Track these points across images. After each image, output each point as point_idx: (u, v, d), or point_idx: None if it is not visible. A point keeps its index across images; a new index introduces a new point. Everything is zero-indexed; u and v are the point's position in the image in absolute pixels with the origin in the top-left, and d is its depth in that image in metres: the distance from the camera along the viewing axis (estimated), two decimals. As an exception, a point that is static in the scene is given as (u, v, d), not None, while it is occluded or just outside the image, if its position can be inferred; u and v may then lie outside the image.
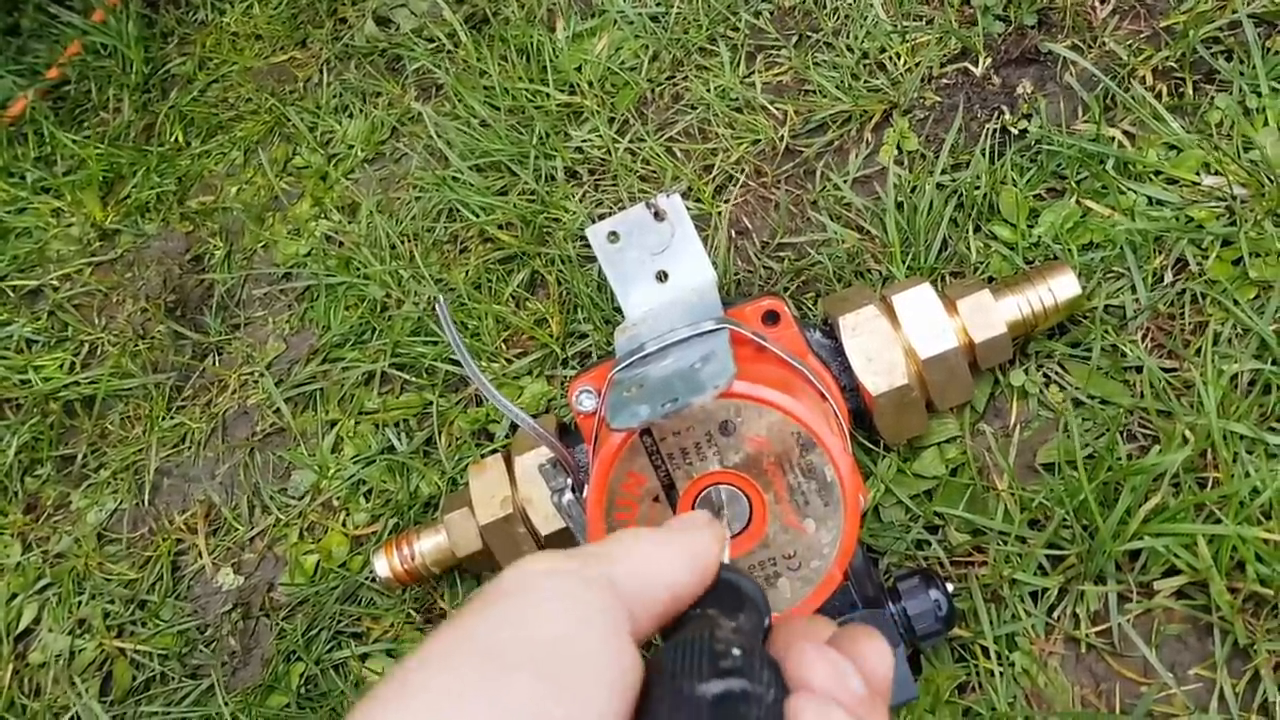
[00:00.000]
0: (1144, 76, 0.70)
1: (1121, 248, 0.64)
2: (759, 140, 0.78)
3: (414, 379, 0.79)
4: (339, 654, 0.71)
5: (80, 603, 0.80)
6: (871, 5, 0.80)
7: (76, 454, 0.89)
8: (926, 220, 0.69)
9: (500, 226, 0.82)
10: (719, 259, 0.75)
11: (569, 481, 0.53)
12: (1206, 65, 0.69)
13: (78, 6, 1.18)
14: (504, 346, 0.78)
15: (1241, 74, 0.67)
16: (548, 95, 0.87)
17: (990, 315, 0.59)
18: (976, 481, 0.61)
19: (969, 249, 0.68)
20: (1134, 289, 0.63)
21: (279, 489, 0.80)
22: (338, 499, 0.77)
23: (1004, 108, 0.73)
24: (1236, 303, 0.60)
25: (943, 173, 0.71)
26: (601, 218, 0.72)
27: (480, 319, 0.79)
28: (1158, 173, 0.66)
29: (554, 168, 0.83)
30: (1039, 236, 0.67)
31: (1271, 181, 0.63)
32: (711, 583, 0.30)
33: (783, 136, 0.77)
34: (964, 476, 0.62)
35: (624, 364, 0.52)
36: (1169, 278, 0.63)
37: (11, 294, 1.01)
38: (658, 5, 0.88)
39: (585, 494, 0.46)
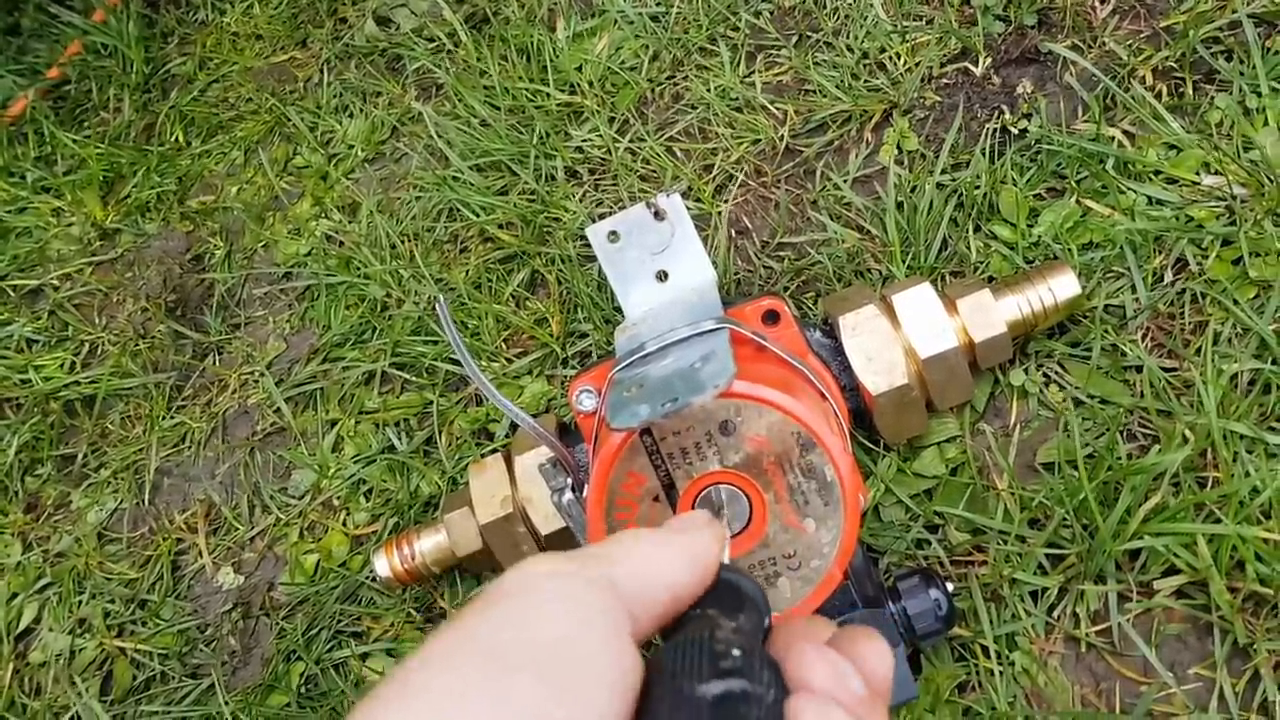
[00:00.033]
0: (1144, 76, 0.70)
1: (1121, 247, 0.64)
2: (759, 140, 0.78)
3: (414, 378, 0.79)
4: (339, 653, 0.71)
5: (80, 602, 0.80)
6: (871, 5, 0.80)
7: (77, 453, 0.89)
8: (926, 220, 0.69)
9: (500, 226, 0.82)
10: (719, 258, 0.75)
11: (569, 481, 0.53)
12: (1206, 65, 0.69)
13: (78, 6, 1.18)
14: (504, 346, 0.78)
15: (1241, 74, 0.67)
16: (548, 95, 0.87)
17: (990, 315, 0.59)
18: (976, 481, 0.61)
19: (969, 249, 0.68)
20: (1134, 289, 0.63)
21: (279, 488, 0.80)
22: (338, 498, 0.77)
23: (1004, 107, 0.73)
24: (1236, 302, 0.60)
25: (943, 172, 0.71)
26: (602, 217, 0.72)
27: (480, 318, 0.79)
28: (1158, 172, 0.66)
29: (554, 167, 0.83)
30: (1039, 236, 0.67)
31: (1271, 181, 0.63)
32: (711, 583, 0.30)
33: (783, 136, 0.77)
34: (964, 476, 0.62)
35: (624, 363, 0.52)
36: (1169, 277, 0.63)
37: (12, 293, 1.01)
38: (658, 5, 0.88)
39: (585, 493, 0.46)
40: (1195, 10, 0.70)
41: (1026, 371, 0.63)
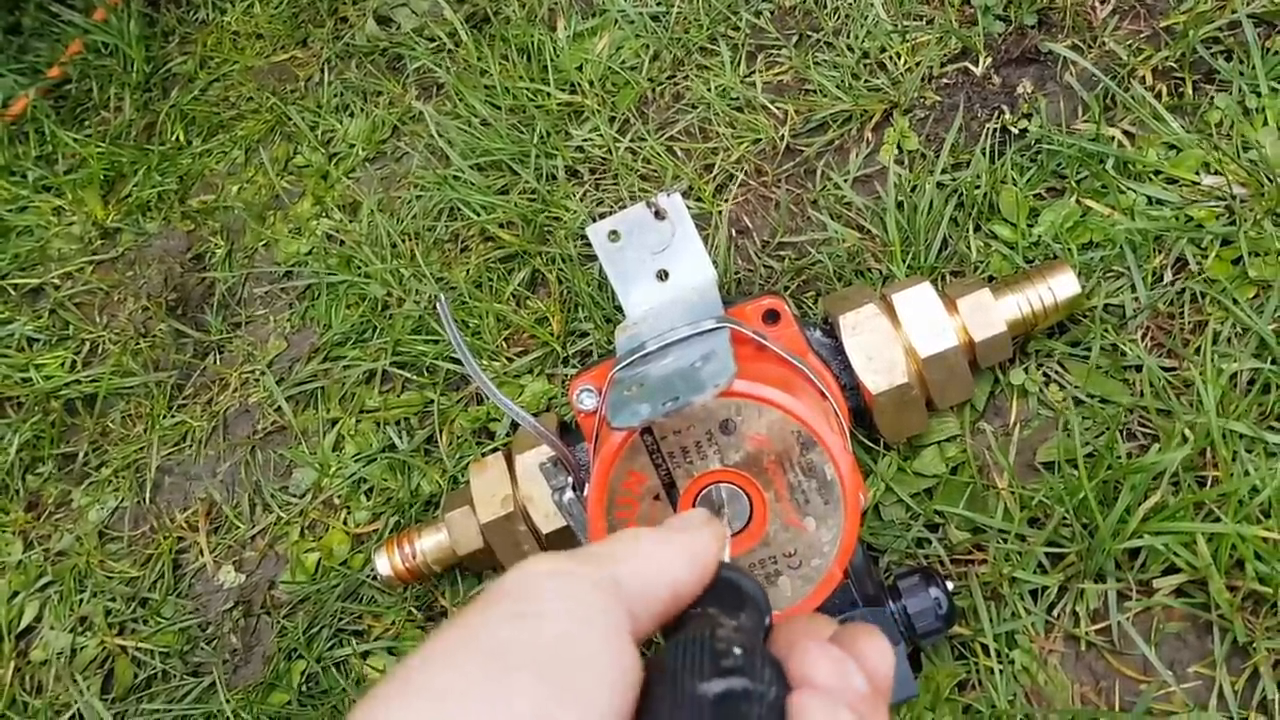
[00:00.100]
0: (1144, 76, 0.70)
1: (1121, 247, 0.64)
2: (759, 139, 0.78)
3: (415, 377, 0.79)
4: (340, 652, 0.71)
5: (82, 600, 0.80)
6: (872, 5, 0.80)
7: (78, 452, 0.89)
8: (927, 219, 0.69)
9: (501, 225, 0.82)
10: (719, 258, 0.75)
11: (570, 480, 0.53)
12: (1206, 65, 0.69)
13: (79, 5, 1.18)
14: (505, 345, 0.78)
15: (1241, 74, 0.67)
16: (549, 94, 0.87)
17: (990, 314, 0.59)
18: (976, 480, 0.61)
19: (969, 248, 0.68)
20: (1134, 288, 0.63)
21: (280, 487, 0.80)
22: (339, 497, 0.77)
23: (1004, 107, 0.73)
24: (1236, 302, 0.60)
25: (943, 172, 0.71)
26: (602, 217, 0.72)
27: (481, 317, 0.79)
28: (1157, 172, 0.67)
29: (555, 167, 0.83)
30: (1039, 236, 0.67)
31: (1271, 181, 0.63)
32: (711, 581, 0.30)
33: (783, 136, 0.77)
34: (964, 475, 0.62)
35: (625, 363, 0.52)
36: (1168, 277, 0.63)
37: (13, 292, 1.01)
38: (658, 5, 0.88)
39: (586, 492, 0.46)
40: (1195, 10, 0.71)
41: (1026, 371, 0.63)
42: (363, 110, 0.97)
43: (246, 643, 0.75)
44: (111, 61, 1.14)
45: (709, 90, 0.82)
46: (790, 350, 0.52)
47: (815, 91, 0.79)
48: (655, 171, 0.80)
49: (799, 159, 0.77)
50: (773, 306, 0.57)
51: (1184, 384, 0.60)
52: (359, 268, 0.86)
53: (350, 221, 0.90)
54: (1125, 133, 0.69)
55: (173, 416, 0.87)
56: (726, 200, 0.77)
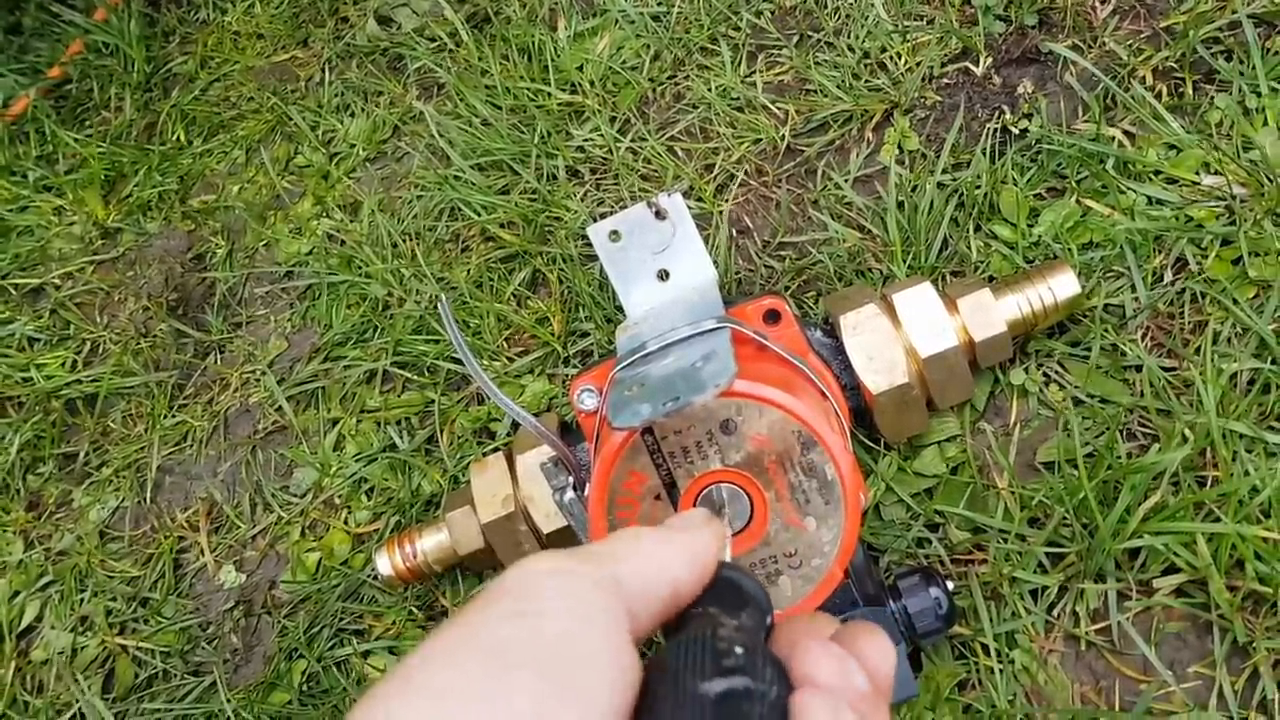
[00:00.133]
0: (1144, 76, 0.70)
1: (1121, 247, 0.64)
2: (760, 139, 0.78)
3: (416, 377, 0.79)
4: (341, 651, 0.71)
5: (82, 600, 0.81)
6: (872, 5, 0.80)
7: (78, 452, 0.89)
8: (927, 219, 0.70)
9: (502, 225, 0.82)
10: (720, 258, 0.75)
11: (570, 480, 0.53)
12: (1206, 65, 0.69)
13: (79, 5, 1.18)
14: (505, 345, 0.78)
15: (1241, 74, 0.67)
16: (549, 94, 0.87)
17: (990, 314, 0.59)
18: (977, 480, 0.61)
19: (969, 248, 0.68)
20: (1134, 288, 0.63)
21: (281, 487, 0.80)
22: (339, 497, 0.77)
23: (1005, 107, 0.73)
24: (1236, 302, 0.60)
25: (943, 172, 0.72)
26: (603, 217, 0.72)
27: (482, 317, 0.79)
28: (1157, 172, 0.67)
29: (555, 167, 0.83)
30: (1039, 236, 0.67)
31: (1271, 181, 0.63)
32: (711, 580, 0.30)
33: (784, 136, 0.77)
34: (964, 475, 0.62)
35: (625, 363, 0.52)
36: (1169, 277, 0.64)
37: (13, 292, 1.01)
38: (659, 5, 0.88)
39: (587, 492, 0.46)
40: (1195, 10, 0.71)
41: (1026, 371, 0.63)
42: (363, 110, 0.97)
43: (247, 642, 0.75)
44: (112, 61, 1.14)
45: (710, 90, 0.82)
46: (791, 350, 0.52)
47: (816, 91, 0.79)
48: (656, 171, 0.80)
49: (800, 159, 0.77)
50: (773, 306, 0.57)
51: (1184, 384, 0.60)
52: (360, 268, 0.86)
53: (351, 221, 0.90)
54: (1125, 133, 0.69)
55: (173, 416, 0.87)
56: (727, 200, 0.77)
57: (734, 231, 0.76)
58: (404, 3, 1.01)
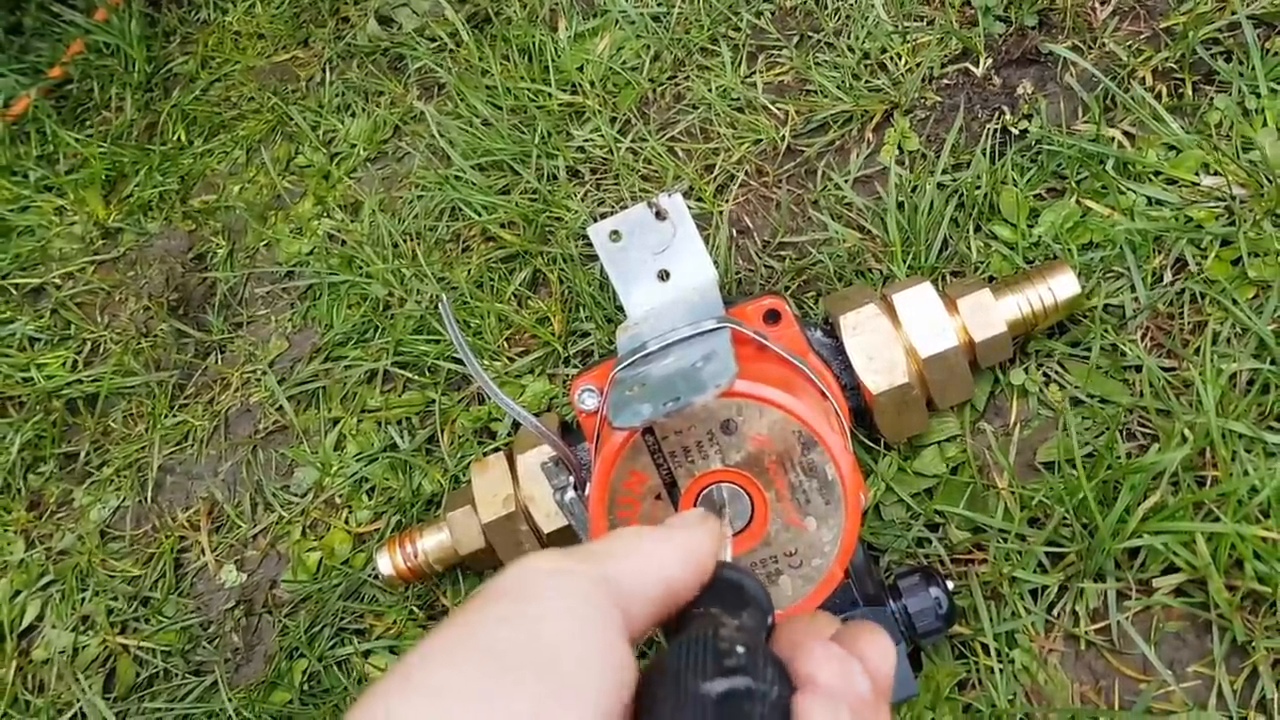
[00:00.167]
0: (1144, 77, 0.70)
1: (1121, 247, 0.64)
2: (760, 140, 0.78)
3: (416, 377, 0.80)
4: (342, 650, 0.71)
5: (83, 599, 0.81)
6: (873, 6, 0.80)
7: (79, 451, 0.89)
8: (927, 220, 0.70)
9: (502, 225, 0.82)
10: (720, 258, 0.75)
11: (571, 479, 0.53)
12: (1206, 66, 0.69)
13: (80, 5, 1.18)
14: (506, 345, 0.78)
15: (1241, 75, 0.67)
16: (550, 95, 0.87)
17: (990, 314, 0.59)
18: (977, 480, 0.61)
19: (969, 248, 0.68)
20: (1133, 288, 0.64)
21: (281, 486, 0.80)
22: (340, 496, 0.77)
23: (1004, 108, 0.73)
24: (1235, 302, 0.60)
25: (943, 172, 0.72)
26: (603, 217, 0.72)
27: (482, 317, 0.79)
28: (1157, 173, 0.67)
29: (556, 167, 0.83)
30: (1039, 236, 0.67)
31: (1270, 182, 0.63)
32: (709, 579, 0.30)
33: (784, 136, 0.77)
34: (964, 475, 0.62)
35: (626, 363, 0.53)
36: (1168, 277, 0.64)
37: (14, 292, 1.01)
38: (659, 5, 0.88)
39: (587, 492, 0.46)
40: (1195, 11, 0.71)
41: (1026, 371, 0.64)
42: (364, 110, 0.97)
43: (248, 642, 0.75)
44: (113, 61, 1.14)
45: (710, 91, 0.82)
46: (791, 350, 0.52)
47: (816, 92, 0.79)
48: (656, 172, 0.80)
49: (800, 159, 0.77)
50: (773, 306, 0.57)
51: (1183, 384, 0.60)
52: (360, 268, 0.86)
53: (352, 221, 0.90)
54: (1125, 133, 0.69)
55: (174, 416, 0.87)
56: (727, 200, 0.77)
57: (734, 232, 0.76)
58: (404, 3, 1.01)
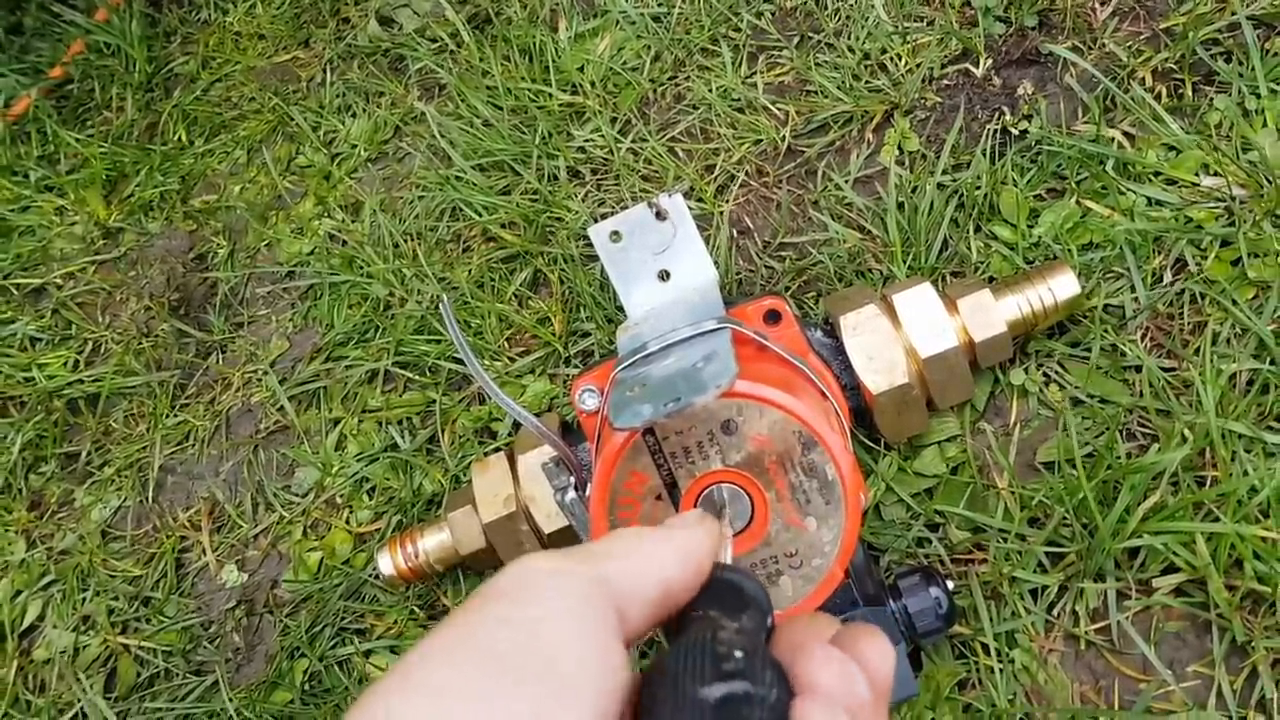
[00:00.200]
0: (1143, 78, 0.70)
1: (1121, 248, 0.64)
2: (760, 140, 0.78)
3: (417, 377, 0.80)
4: (343, 650, 0.71)
5: (84, 599, 0.81)
6: (873, 6, 0.80)
7: (80, 451, 0.89)
8: (927, 220, 0.70)
9: (503, 226, 0.82)
10: (720, 258, 0.75)
11: (572, 480, 0.54)
12: (1206, 67, 0.69)
13: (81, 5, 1.18)
14: (507, 345, 0.78)
15: (1240, 75, 0.67)
16: (550, 95, 0.87)
17: (990, 314, 0.59)
18: (977, 480, 0.61)
19: (969, 249, 0.68)
20: (1133, 289, 0.64)
21: (282, 486, 0.81)
22: (341, 496, 0.78)
23: (1004, 108, 0.73)
24: (1235, 303, 0.60)
25: (943, 173, 0.72)
26: (604, 217, 0.72)
27: (483, 318, 0.79)
28: (1157, 173, 0.67)
29: (556, 167, 0.83)
30: (1039, 236, 0.67)
31: (1270, 182, 0.63)
32: (707, 580, 0.30)
33: (784, 137, 0.78)
34: (964, 475, 0.62)
35: (626, 363, 0.53)
36: (1168, 278, 0.64)
37: (15, 292, 1.01)
38: (660, 6, 0.88)
39: (588, 492, 0.47)
40: (1194, 12, 0.71)
41: (1026, 371, 0.64)
42: (365, 111, 0.97)
43: (249, 641, 0.75)
44: (113, 61, 1.14)
45: (710, 91, 0.82)
46: (791, 350, 0.52)
47: (816, 92, 0.79)
48: (657, 172, 0.80)
49: (800, 160, 0.77)
50: (774, 307, 0.58)
51: (1183, 384, 0.60)
52: (361, 268, 0.86)
53: (352, 222, 0.90)
54: (1125, 134, 0.69)
55: (175, 416, 0.87)
56: (728, 201, 0.77)
57: (734, 232, 0.76)
58: (405, 3, 1.01)
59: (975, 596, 0.58)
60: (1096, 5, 0.74)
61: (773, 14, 0.84)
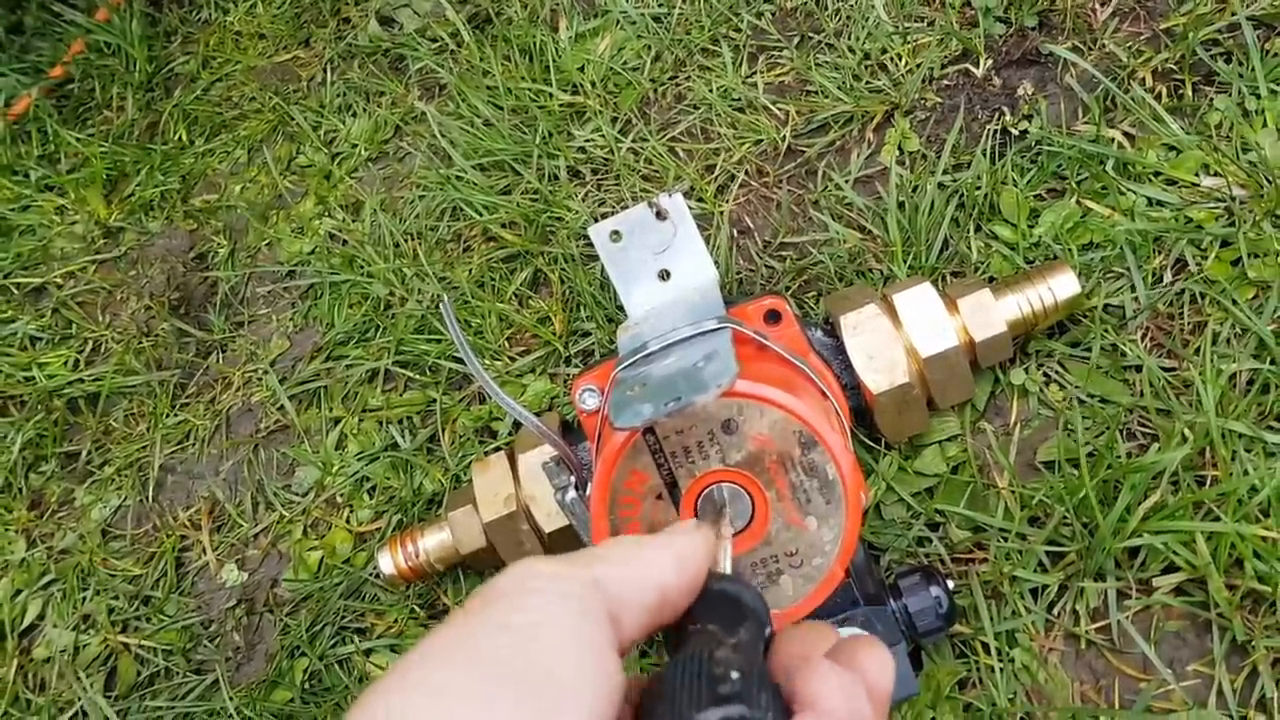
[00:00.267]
0: (1144, 78, 0.70)
1: (1121, 248, 0.65)
2: (761, 140, 0.78)
3: (417, 376, 0.80)
4: (343, 649, 0.71)
5: (85, 598, 0.81)
6: (873, 6, 0.80)
7: (81, 451, 0.89)
8: (928, 220, 0.70)
9: (503, 225, 0.82)
10: (721, 258, 0.75)
11: (572, 479, 0.54)
12: (1206, 67, 0.69)
13: (81, 5, 1.18)
14: (507, 344, 0.78)
15: (1240, 76, 0.67)
16: (551, 95, 0.87)
17: (990, 314, 0.59)
18: (977, 479, 0.61)
19: (970, 249, 0.68)
20: (1133, 289, 0.64)
21: (283, 485, 0.81)
22: (341, 495, 0.78)
23: (1005, 108, 0.73)
24: (1235, 302, 0.60)
25: (944, 173, 0.72)
26: (604, 217, 0.72)
27: (484, 317, 0.79)
28: (1157, 173, 0.67)
29: (557, 167, 0.83)
30: (1039, 236, 0.67)
31: (1270, 182, 0.63)
32: (705, 590, 0.31)
33: (784, 137, 0.78)
34: (965, 474, 0.62)
35: (627, 362, 0.53)
36: (1168, 277, 0.64)
37: (15, 291, 1.01)
38: (660, 6, 0.88)
39: (588, 491, 0.47)
40: (1195, 12, 0.71)
41: (1027, 370, 0.64)
42: (365, 110, 0.97)
43: (249, 640, 0.75)
44: (114, 61, 1.14)
45: (710, 91, 0.82)
46: (791, 350, 0.52)
47: (816, 92, 0.79)
48: (657, 172, 0.81)
49: (800, 160, 0.77)
50: (774, 306, 0.58)
51: (1183, 384, 0.60)
52: (361, 267, 0.86)
53: (353, 221, 0.90)
54: (1125, 134, 0.69)
55: (175, 415, 0.87)
56: (728, 200, 0.77)
57: (735, 232, 0.76)
58: (406, 3, 1.01)
59: (975, 596, 0.58)
60: (1096, 6, 0.74)
61: (773, 14, 0.84)
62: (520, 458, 0.63)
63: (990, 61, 0.75)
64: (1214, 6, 0.70)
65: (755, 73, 0.82)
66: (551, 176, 0.83)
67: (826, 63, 0.80)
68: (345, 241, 0.89)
